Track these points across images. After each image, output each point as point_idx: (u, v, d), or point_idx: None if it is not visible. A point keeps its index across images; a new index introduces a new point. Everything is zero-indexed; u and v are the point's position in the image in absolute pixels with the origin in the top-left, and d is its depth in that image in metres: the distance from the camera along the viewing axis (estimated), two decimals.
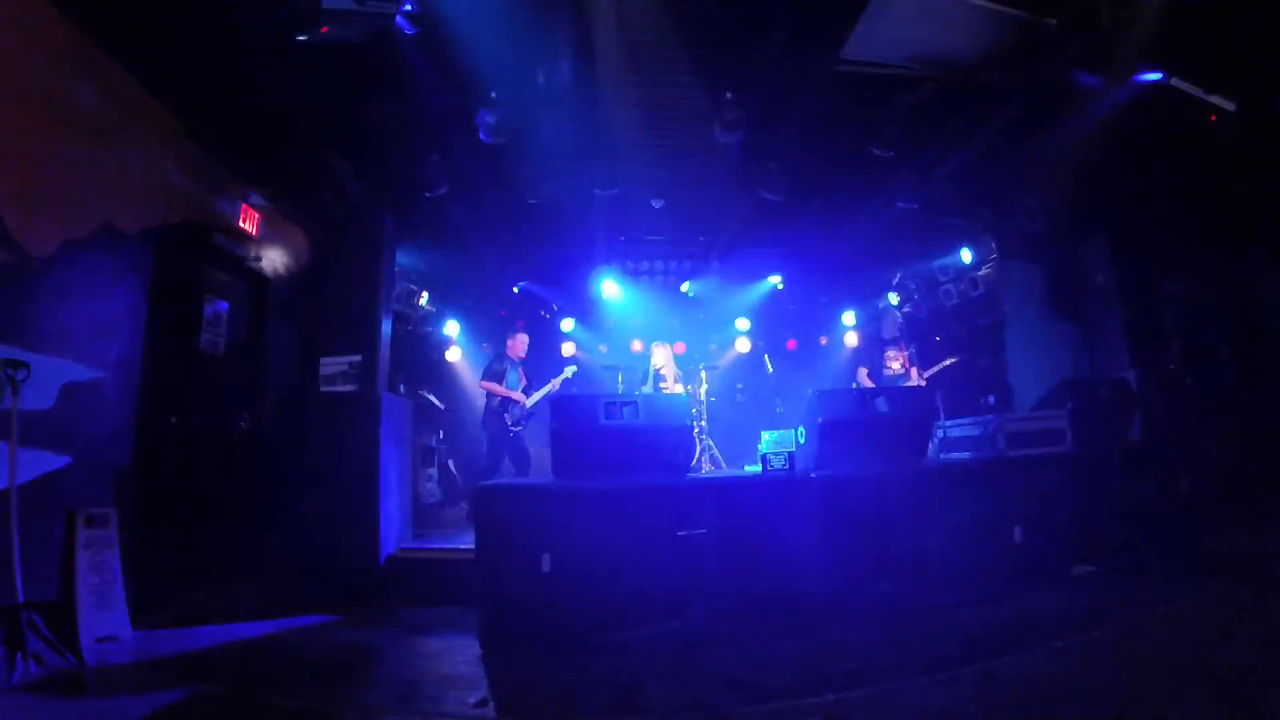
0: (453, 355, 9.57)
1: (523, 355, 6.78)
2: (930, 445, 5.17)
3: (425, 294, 8.48)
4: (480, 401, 6.52)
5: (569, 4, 4.39)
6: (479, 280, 9.35)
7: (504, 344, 6.74)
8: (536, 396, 6.41)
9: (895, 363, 7.02)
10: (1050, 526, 4.51)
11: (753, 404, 9.12)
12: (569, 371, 6.64)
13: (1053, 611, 3.92)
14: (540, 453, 7.76)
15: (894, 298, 9.36)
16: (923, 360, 7.24)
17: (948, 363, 7.31)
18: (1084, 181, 6.06)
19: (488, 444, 6.23)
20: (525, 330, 7.15)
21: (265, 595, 4.74)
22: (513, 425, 6.16)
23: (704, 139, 5.73)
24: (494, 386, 6.16)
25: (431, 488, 8.17)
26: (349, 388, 5.37)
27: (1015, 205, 6.87)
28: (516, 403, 6.16)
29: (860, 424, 4.55)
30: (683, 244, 9.05)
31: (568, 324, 9.85)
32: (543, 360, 8.98)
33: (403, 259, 7.13)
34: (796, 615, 3.98)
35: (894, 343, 7.21)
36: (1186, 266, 7.52)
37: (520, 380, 6.38)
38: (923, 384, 7.01)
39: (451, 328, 9.33)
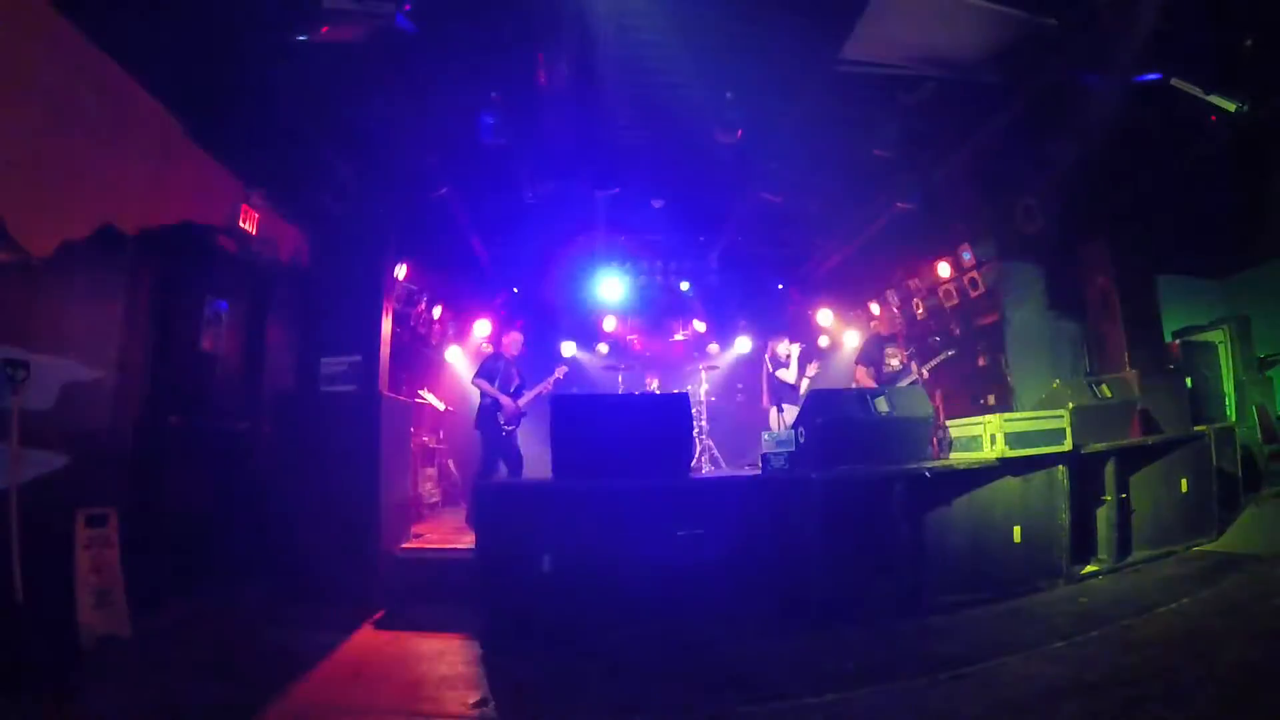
0: (452, 355, 9.59)
1: (517, 353, 6.76)
2: (930, 445, 5.17)
3: (425, 294, 8.47)
4: (477, 400, 6.50)
5: (570, 4, 4.39)
6: (478, 280, 9.36)
7: (500, 343, 6.72)
8: (528, 397, 6.39)
9: (895, 360, 7.03)
10: (1050, 526, 4.52)
11: (753, 404, 9.14)
12: (560, 372, 6.60)
13: (1053, 611, 3.93)
14: (539, 452, 7.76)
15: (894, 297, 9.36)
16: (921, 358, 7.26)
17: (945, 355, 7.32)
18: (1084, 181, 6.05)
19: (482, 444, 6.20)
20: (521, 329, 7.11)
21: (265, 595, 4.73)
22: (505, 424, 6.13)
23: (704, 139, 5.73)
24: (485, 385, 6.13)
25: (431, 488, 8.17)
26: (349, 388, 5.36)
27: (1015, 205, 6.86)
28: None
29: (860, 424, 4.55)
30: (683, 244, 9.07)
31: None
32: (539, 358, 9.01)
33: (403, 259, 7.12)
34: (797, 615, 3.98)
35: (893, 340, 7.24)
36: (1186, 266, 7.53)
37: (514, 379, 6.35)
38: (925, 377, 7.01)
39: (451, 327, 9.33)
